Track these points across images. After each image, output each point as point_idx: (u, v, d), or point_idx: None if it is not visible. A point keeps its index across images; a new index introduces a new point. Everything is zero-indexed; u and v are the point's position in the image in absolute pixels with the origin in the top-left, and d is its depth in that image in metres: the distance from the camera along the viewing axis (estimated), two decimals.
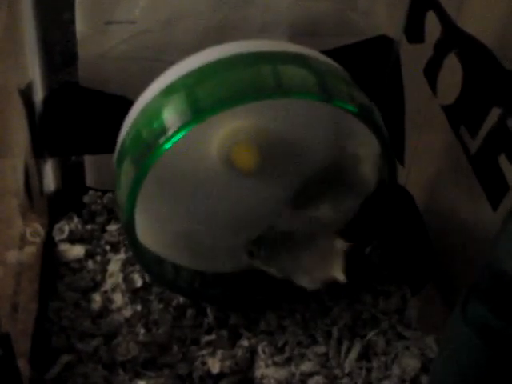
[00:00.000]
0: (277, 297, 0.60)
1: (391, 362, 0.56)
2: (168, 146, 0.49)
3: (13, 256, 0.49)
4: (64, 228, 0.63)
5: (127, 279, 0.60)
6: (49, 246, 0.62)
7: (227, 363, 0.55)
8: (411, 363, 0.55)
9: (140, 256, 0.56)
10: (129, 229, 0.52)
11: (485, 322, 0.38)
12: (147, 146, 0.49)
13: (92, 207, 0.66)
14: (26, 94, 0.56)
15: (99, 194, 0.66)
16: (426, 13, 0.56)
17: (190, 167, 0.57)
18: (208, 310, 0.59)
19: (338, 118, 0.54)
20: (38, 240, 0.59)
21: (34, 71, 0.59)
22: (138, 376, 0.54)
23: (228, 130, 0.55)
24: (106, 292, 0.60)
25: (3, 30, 0.48)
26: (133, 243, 0.54)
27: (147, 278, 0.60)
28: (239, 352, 0.56)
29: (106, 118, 0.61)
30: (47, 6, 0.56)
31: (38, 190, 0.59)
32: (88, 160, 0.66)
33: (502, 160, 0.47)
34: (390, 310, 0.60)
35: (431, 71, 0.56)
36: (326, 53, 0.55)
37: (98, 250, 0.63)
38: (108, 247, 0.63)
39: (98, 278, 0.61)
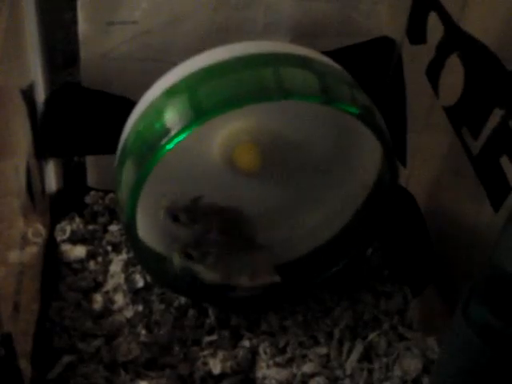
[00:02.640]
0: (278, 297, 0.60)
1: (392, 363, 0.56)
2: (170, 146, 0.49)
3: (14, 256, 0.49)
4: (66, 228, 0.63)
5: (129, 280, 0.60)
6: (50, 247, 0.62)
7: (228, 364, 0.55)
8: (412, 364, 0.55)
9: (141, 256, 0.56)
10: (130, 229, 0.52)
11: (486, 322, 0.38)
12: (149, 146, 0.49)
13: (94, 208, 0.66)
14: (28, 95, 0.56)
15: (101, 194, 0.66)
16: (428, 14, 0.56)
17: (193, 168, 0.57)
18: (209, 311, 0.59)
19: (340, 120, 0.54)
20: (39, 240, 0.59)
21: (35, 71, 0.59)
22: (140, 376, 0.54)
23: (230, 131, 0.55)
24: (107, 292, 0.60)
25: (5, 30, 0.48)
26: (134, 243, 0.54)
27: (149, 279, 0.60)
28: (240, 353, 0.56)
29: (108, 118, 0.61)
30: (49, 6, 0.56)
31: (39, 191, 0.59)
32: (90, 160, 0.66)
33: (504, 161, 0.47)
34: (391, 310, 0.60)
35: (433, 72, 0.56)
36: (327, 54, 0.55)
37: (100, 250, 0.63)
38: (109, 248, 0.63)
39: (100, 278, 0.61)
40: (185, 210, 0.55)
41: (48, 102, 0.61)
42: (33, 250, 0.56)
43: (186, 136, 0.48)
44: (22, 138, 0.55)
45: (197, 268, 0.56)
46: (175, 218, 0.55)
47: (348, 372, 0.56)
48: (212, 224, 0.56)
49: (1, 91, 0.47)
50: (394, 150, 0.55)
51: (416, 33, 0.59)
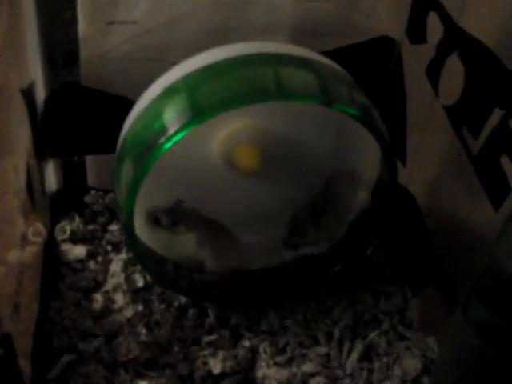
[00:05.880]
0: (278, 297, 0.60)
1: (392, 362, 0.56)
2: (168, 145, 0.49)
3: (14, 256, 0.49)
4: (66, 228, 0.63)
5: (129, 279, 0.60)
6: (50, 246, 0.62)
7: (228, 363, 0.55)
8: (412, 364, 0.55)
9: (139, 255, 0.56)
10: (128, 228, 0.53)
11: (486, 322, 0.38)
12: (147, 145, 0.49)
13: (94, 207, 0.66)
14: (28, 94, 0.56)
15: (101, 193, 0.66)
16: (428, 13, 0.56)
17: (192, 167, 0.57)
18: (209, 311, 0.59)
19: (339, 120, 0.54)
20: (39, 240, 0.59)
21: (35, 71, 0.59)
22: (140, 376, 0.54)
23: (230, 131, 0.55)
24: (107, 292, 0.60)
25: (5, 29, 0.48)
26: (132, 242, 0.54)
27: (149, 278, 0.60)
28: (240, 352, 0.56)
29: (108, 117, 0.61)
30: (49, 5, 0.56)
31: (39, 190, 0.59)
32: (90, 160, 0.66)
33: (504, 160, 0.47)
34: (391, 310, 0.60)
35: (433, 72, 0.56)
36: (327, 53, 0.55)
37: (100, 250, 0.63)
38: (109, 247, 0.63)
39: (100, 278, 0.61)
40: (166, 213, 0.55)
41: (48, 101, 0.61)
42: (33, 250, 0.56)
43: (183, 135, 0.48)
44: (21, 138, 0.55)
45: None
46: (156, 221, 0.55)
47: (348, 371, 0.56)
48: (192, 227, 0.56)
49: (1, 91, 0.47)
50: (394, 150, 0.55)
51: (416, 32, 0.59)
